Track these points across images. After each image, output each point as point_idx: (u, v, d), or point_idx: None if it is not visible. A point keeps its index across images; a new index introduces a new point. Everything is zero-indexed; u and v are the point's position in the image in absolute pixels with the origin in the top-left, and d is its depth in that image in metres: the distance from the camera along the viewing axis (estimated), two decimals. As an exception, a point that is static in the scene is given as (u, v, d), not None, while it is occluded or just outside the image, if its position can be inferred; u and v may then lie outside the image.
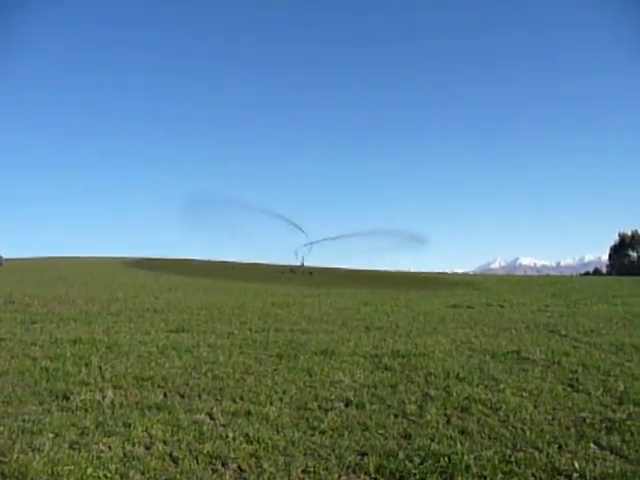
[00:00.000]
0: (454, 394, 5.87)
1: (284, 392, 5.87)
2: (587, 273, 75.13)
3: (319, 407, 5.37)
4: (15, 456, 4.05)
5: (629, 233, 72.97)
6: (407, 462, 4.08)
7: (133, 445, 4.34)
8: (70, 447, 4.28)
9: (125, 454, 4.17)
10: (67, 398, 5.53)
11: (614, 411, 5.34)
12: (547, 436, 4.63)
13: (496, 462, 4.09)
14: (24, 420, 4.84)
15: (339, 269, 47.71)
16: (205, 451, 4.23)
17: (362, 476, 3.92)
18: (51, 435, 4.52)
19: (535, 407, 5.47)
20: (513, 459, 4.15)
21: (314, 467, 4.00)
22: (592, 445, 4.47)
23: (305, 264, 45.03)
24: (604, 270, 74.21)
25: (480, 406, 5.45)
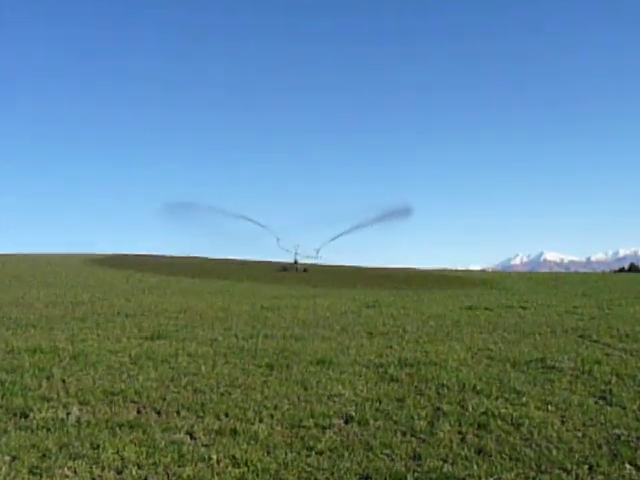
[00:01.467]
0: (470, 409, 5.90)
1: (275, 407, 5.88)
2: (622, 269, 75.49)
3: (315, 424, 5.38)
4: (-34, 483, 4.05)
5: (669, 224, 73.18)
6: (416, 486, 4.10)
7: (102, 469, 4.34)
8: (30, 472, 4.27)
9: (93, 479, 4.18)
10: (26, 416, 5.52)
11: (652, 427, 5.37)
12: (576, 456, 4.66)
13: (518, 486, 4.11)
14: (-24, 441, 4.83)
15: (337, 266, 47.80)
16: (185, 475, 4.24)
17: (365, 503, 3.94)
18: (8, 458, 4.51)
19: (562, 423, 5.50)
20: (537, 482, 4.18)
21: (310, 493, 4.02)
22: (627, 465, 4.50)
23: (299, 261, 45.19)
24: (641, 266, 74.52)
25: (500, 422, 5.47)
